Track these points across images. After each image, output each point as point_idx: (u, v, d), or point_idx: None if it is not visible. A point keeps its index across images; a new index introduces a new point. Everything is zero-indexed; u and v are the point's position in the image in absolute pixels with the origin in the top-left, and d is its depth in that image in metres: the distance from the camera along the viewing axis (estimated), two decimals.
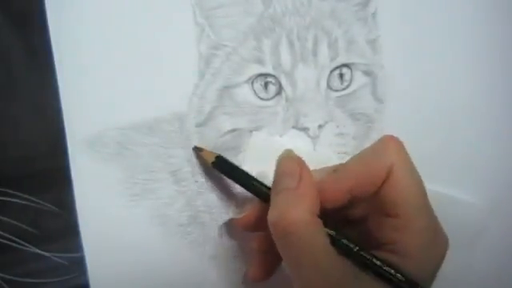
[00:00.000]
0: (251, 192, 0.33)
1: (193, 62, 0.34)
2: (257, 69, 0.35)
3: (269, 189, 0.32)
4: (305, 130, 0.35)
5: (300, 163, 0.31)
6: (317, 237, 0.29)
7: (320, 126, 0.36)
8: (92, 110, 0.33)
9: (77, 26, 0.32)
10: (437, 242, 0.31)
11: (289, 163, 0.31)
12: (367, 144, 0.36)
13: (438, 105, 0.38)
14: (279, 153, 0.32)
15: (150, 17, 0.33)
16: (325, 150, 0.36)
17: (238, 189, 0.34)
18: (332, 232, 0.30)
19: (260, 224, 0.32)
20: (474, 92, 0.38)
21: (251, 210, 0.34)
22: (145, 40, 0.33)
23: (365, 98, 0.37)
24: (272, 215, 0.29)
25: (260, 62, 0.35)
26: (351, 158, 0.32)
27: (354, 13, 0.36)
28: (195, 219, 0.35)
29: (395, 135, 0.31)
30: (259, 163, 0.35)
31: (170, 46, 0.34)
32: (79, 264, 0.33)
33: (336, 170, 0.32)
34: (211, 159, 0.33)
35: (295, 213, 0.29)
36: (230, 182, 0.34)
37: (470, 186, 0.38)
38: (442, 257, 0.31)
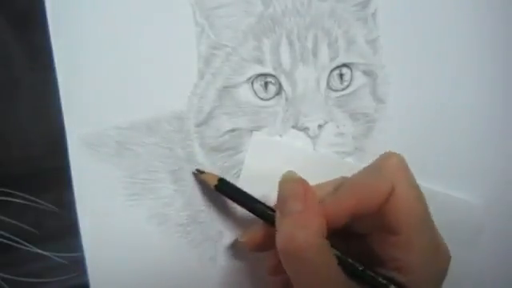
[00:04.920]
0: (255, 214, 0.33)
1: (193, 62, 0.34)
2: (257, 69, 0.35)
3: (273, 211, 0.32)
4: (305, 129, 0.35)
5: (304, 185, 0.31)
6: (327, 260, 0.29)
7: (320, 126, 0.35)
8: (92, 110, 0.33)
9: (77, 26, 0.32)
10: (439, 259, 0.31)
11: (292, 186, 0.31)
12: (367, 144, 0.37)
13: (437, 105, 0.38)
14: (279, 153, 0.32)
15: (149, 17, 0.33)
16: (325, 150, 0.36)
17: (240, 211, 0.34)
18: (337, 252, 0.30)
19: (266, 245, 0.32)
20: (473, 92, 0.38)
21: (256, 231, 0.33)
22: (144, 40, 0.33)
23: (365, 98, 0.37)
24: (281, 240, 0.29)
25: (260, 62, 0.35)
26: (352, 176, 0.32)
27: (353, 13, 0.36)
28: (195, 219, 0.35)
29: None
30: (259, 163, 0.35)
31: (170, 46, 0.34)
32: (79, 264, 0.33)
33: (337, 188, 0.31)
34: (214, 182, 0.33)
35: (304, 237, 0.28)
36: (231, 203, 0.34)
37: (469, 184, 0.38)
38: (445, 272, 0.31)
